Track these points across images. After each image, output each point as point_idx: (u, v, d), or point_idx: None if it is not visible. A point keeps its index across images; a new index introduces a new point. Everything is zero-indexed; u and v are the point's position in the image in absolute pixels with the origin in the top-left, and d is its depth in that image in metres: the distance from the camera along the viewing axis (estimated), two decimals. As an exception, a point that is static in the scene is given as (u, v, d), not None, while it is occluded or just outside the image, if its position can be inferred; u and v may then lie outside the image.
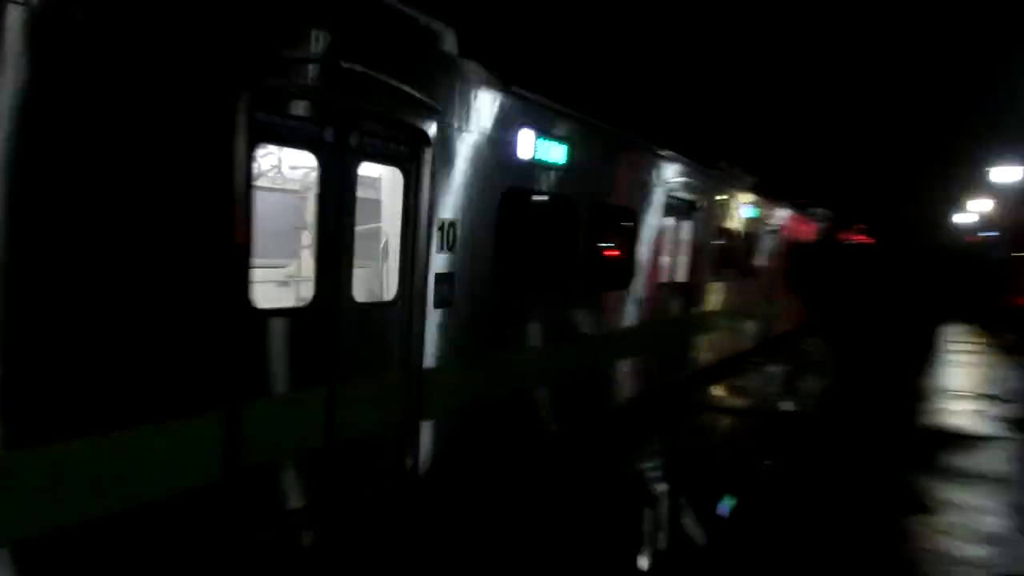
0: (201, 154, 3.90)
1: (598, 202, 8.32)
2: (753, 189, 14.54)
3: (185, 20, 3.73)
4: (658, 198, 9.84)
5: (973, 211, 36.12)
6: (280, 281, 6.60)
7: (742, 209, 13.95)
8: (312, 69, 4.44)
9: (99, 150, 3.43)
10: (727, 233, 13.06)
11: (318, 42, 4.44)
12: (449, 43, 5.81)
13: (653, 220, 9.73)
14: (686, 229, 11.11)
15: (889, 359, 11.19)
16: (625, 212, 9.09)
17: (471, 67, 5.99)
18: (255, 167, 4.33)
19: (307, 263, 5.59)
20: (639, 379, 9.67)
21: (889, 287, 9.92)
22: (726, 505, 6.65)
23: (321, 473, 4.81)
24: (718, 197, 12.34)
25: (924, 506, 7.34)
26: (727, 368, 13.22)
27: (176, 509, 3.88)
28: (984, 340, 21.73)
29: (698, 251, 11.35)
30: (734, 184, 13.41)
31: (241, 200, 4.08)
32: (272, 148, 5.47)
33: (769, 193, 15.79)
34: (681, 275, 11.03)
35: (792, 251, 12.02)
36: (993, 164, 24.68)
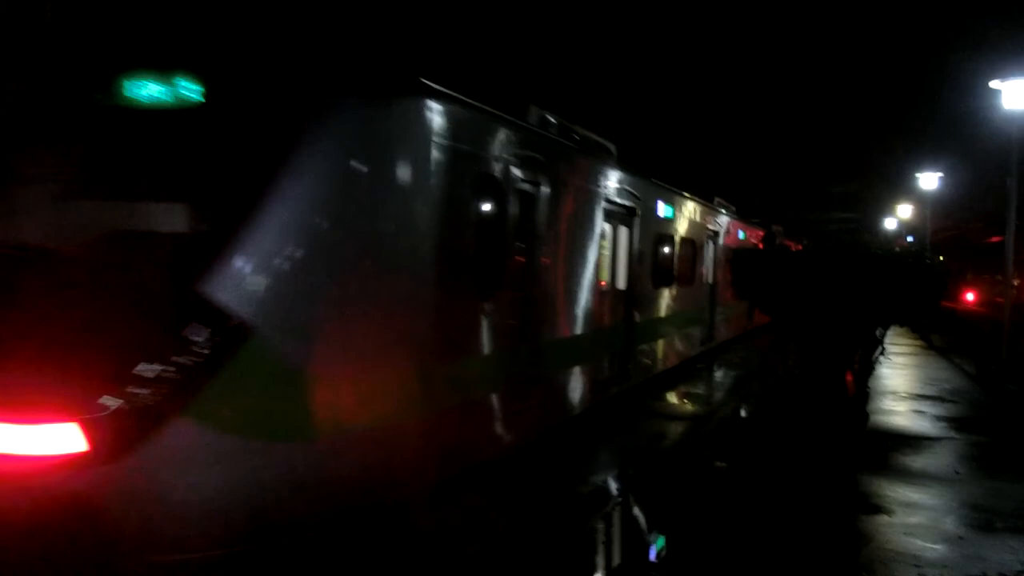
0: (602, 230, 9.96)
1: (682, 236, 13.98)
2: (736, 216, 19.61)
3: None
4: (703, 231, 15.75)
5: (899, 216, 37.43)
6: None
7: (736, 233, 19.43)
8: (621, 193, 10.46)
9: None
10: (727, 250, 17.78)
11: (624, 185, 10.57)
12: (614, 152, 10.94)
13: (701, 245, 15.57)
14: (711, 249, 16.60)
15: (833, 359, 11.24)
16: (692, 242, 14.73)
17: (636, 170, 11.38)
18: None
19: (604, 269, 10.20)
20: (703, 334, 15.96)
21: (826, 291, 9.99)
22: (654, 547, 6.38)
23: (606, 365, 10.21)
24: (723, 226, 17.79)
25: (882, 507, 7.26)
26: (720, 347, 17.61)
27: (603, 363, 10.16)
28: (916, 341, 22.35)
29: (717, 263, 16.89)
30: (727, 214, 18.56)
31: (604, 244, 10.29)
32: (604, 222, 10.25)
33: (743, 216, 21.01)
34: (710, 278, 16.50)
35: (736, 258, 12.72)
36: (920, 170, 25.55)
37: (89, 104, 5.37)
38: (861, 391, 10.19)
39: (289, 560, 4.74)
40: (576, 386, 9.09)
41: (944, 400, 13.02)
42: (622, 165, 10.73)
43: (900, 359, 18.13)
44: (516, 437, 7.30)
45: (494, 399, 7.06)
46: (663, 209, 12.58)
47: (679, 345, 13.92)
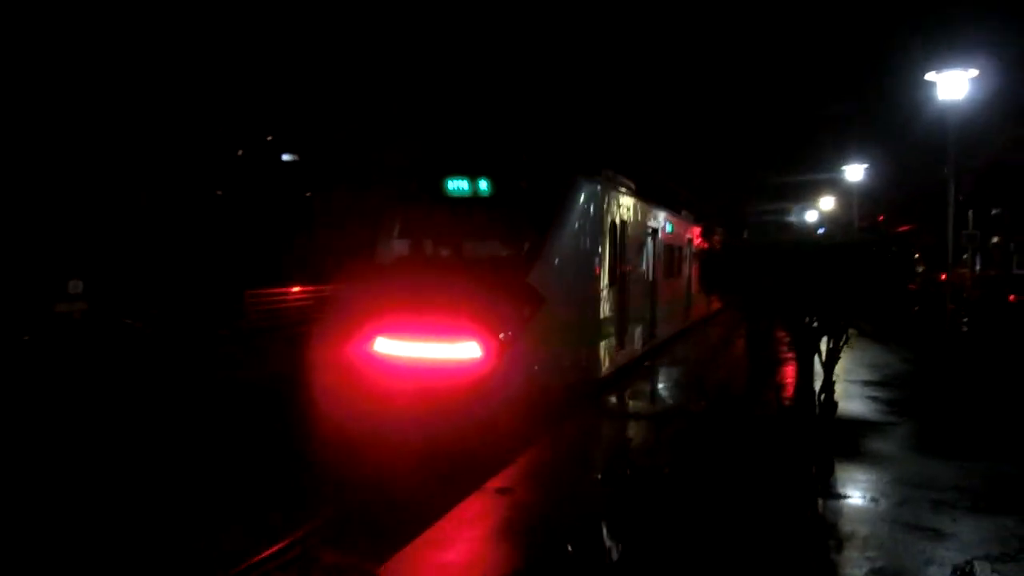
0: (644, 242, 15.97)
1: (674, 243, 19.34)
2: (696, 222, 24.64)
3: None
4: (683, 237, 21.15)
5: (821, 208, 38.82)
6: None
7: (699, 236, 24.27)
8: (650, 218, 16.46)
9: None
10: (695, 248, 22.76)
11: (650, 212, 16.47)
12: (634, 187, 15.02)
13: (682, 247, 20.94)
14: (687, 249, 21.87)
15: (799, 350, 11.46)
16: (680, 247, 20.48)
17: (653, 200, 16.92)
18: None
19: (646, 267, 16.00)
20: (685, 313, 21.88)
21: (793, 284, 10.18)
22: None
23: (645, 328, 15.90)
24: (692, 231, 23.15)
25: (839, 493, 7.46)
26: (693, 325, 23.16)
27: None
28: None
29: (691, 261, 21.81)
30: (693, 222, 23.86)
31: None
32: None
33: (701, 220, 26.03)
34: (687, 271, 21.78)
35: (704, 258, 13.54)
36: (846, 163, 26.52)
37: (440, 192, 11.63)
38: (828, 381, 10.42)
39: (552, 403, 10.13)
40: (636, 337, 14.77)
41: (892, 385, 13.52)
42: (645, 197, 15.81)
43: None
44: (632, 354, 14.17)
45: (619, 335, 13.21)
46: (667, 226, 18.39)
47: (675, 320, 19.99)
